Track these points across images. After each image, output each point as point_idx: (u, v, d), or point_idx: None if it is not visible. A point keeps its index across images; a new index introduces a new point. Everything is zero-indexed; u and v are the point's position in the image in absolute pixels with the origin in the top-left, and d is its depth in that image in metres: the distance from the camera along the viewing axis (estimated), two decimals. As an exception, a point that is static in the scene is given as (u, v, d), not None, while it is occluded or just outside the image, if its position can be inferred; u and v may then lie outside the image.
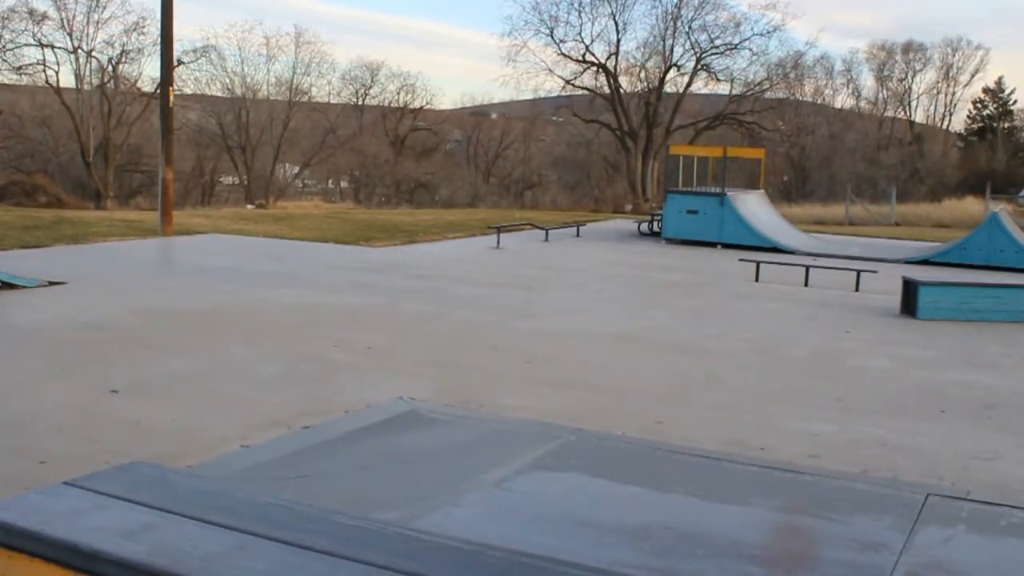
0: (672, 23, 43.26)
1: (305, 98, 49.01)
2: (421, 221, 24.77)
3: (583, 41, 43.68)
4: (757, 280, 13.63)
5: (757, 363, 7.97)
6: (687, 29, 43.36)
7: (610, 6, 43.72)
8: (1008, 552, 3.88)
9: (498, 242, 18.12)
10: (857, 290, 12.92)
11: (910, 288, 10.85)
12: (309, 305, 9.75)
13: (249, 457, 4.77)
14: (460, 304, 10.22)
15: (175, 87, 18.32)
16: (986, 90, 56.34)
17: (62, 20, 40.23)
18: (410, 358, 7.43)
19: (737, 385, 7.10)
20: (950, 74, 56.22)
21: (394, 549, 2.64)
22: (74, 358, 6.87)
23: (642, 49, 45.27)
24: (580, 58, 43.60)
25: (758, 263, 14.05)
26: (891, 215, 32.32)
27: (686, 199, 20.75)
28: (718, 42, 43.58)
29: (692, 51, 43.74)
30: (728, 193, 20.44)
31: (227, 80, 47.03)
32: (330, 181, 53.45)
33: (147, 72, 61.85)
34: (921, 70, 56.06)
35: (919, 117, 57.64)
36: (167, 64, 17.27)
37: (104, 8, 40.86)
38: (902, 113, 56.89)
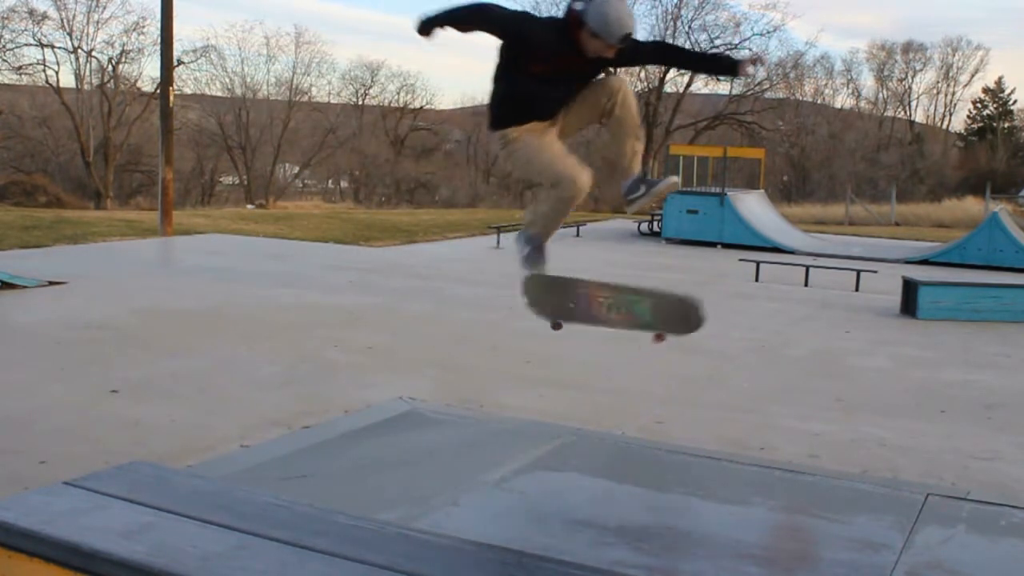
0: (672, 23, 43.33)
1: (305, 98, 49.05)
2: (421, 221, 24.77)
3: (583, 41, 43.60)
4: (757, 280, 13.63)
5: (757, 363, 7.97)
6: (687, 29, 43.43)
7: (610, 6, 43.67)
8: (1008, 552, 3.88)
9: (498, 242, 18.12)
10: (857, 290, 12.92)
11: (910, 288, 10.85)
12: (309, 305, 9.75)
13: (249, 457, 4.77)
14: (460, 304, 10.21)
15: (175, 87, 18.32)
16: (986, 90, 56.40)
17: (62, 20, 40.31)
18: (410, 358, 7.43)
19: (737, 385, 7.10)
20: (950, 74, 56.29)
21: (394, 549, 2.64)
22: (74, 358, 6.87)
23: (642, 49, 45.21)
24: (580, 58, 43.51)
25: (758, 263, 14.06)
26: (891, 215, 32.33)
27: (686, 199, 20.76)
28: (718, 42, 43.62)
29: (692, 51, 43.72)
30: (728, 193, 20.45)
31: (227, 80, 47.16)
32: (330, 181, 53.45)
33: (147, 72, 62.01)
34: (921, 70, 56.15)
35: (919, 117, 57.70)
36: (167, 64, 17.26)
37: (104, 8, 40.99)
38: (902, 113, 56.95)
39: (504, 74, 4.07)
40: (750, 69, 4.27)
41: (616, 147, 4.28)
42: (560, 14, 4.02)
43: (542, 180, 4.28)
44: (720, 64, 4.48)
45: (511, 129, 4.15)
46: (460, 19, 3.97)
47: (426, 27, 3.98)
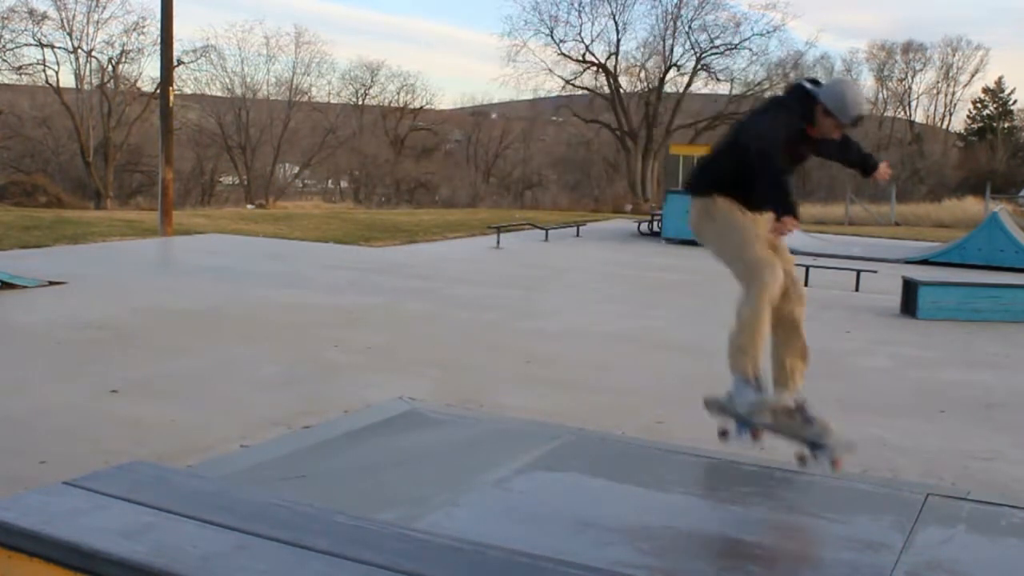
0: (672, 23, 43.36)
1: (305, 98, 49.07)
2: (421, 221, 24.79)
3: (583, 41, 43.81)
4: (757, 280, 13.61)
5: (757, 363, 7.95)
6: (687, 29, 43.46)
7: (610, 6, 43.83)
8: (1008, 552, 3.88)
9: (498, 242, 18.13)
10: (857, 290, 12.92)
11: (910, 288, 10.85)
12: (309, 305, 9.75)
13: (249, 457, 4.77)
14: (460, 304, 10.21)
15: (175, 87, 18.33)
16: (986, 90, 56.40)
17: (62, 20, 40.30)
18: (410, 358, 7.43)
19: (737, 385, 7.09)
20: (950, 74, 56.29)
21: (394, 549, 2.64)
22: (74, 358, 6.87)
23: (642, 49, 45.44)
24: (580, 58, 43.71)
25: (758, 263, 14.03)
26: (891, 215, 32.33)
27: (686, 199, 20.74)
28: (718, 42, 43.69)
29: (692, 51, 43.85)
30: (728, 193, 20.45)
31: (227, 80, 47.16)
32: (330, 181, 53.47)
33: (147, 72, 61.99)
34: (921, 70, 56.15)
35: (919, 117, 57.71)
36: (167, 64, 17.27)
37: (104, 8, 40.97)
38: (902, 113, 56.95)
39: (732, 152, 4.09)
40: (878, 178, 4.57)
41: (774, 355, 4.15)
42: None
43: (733, 258, 4.16)
44: (866, 163, 4.63)
45: (716, 195, 4.21)
46: (784, 187, 4.04)
47: (785, 212, 3.99)
